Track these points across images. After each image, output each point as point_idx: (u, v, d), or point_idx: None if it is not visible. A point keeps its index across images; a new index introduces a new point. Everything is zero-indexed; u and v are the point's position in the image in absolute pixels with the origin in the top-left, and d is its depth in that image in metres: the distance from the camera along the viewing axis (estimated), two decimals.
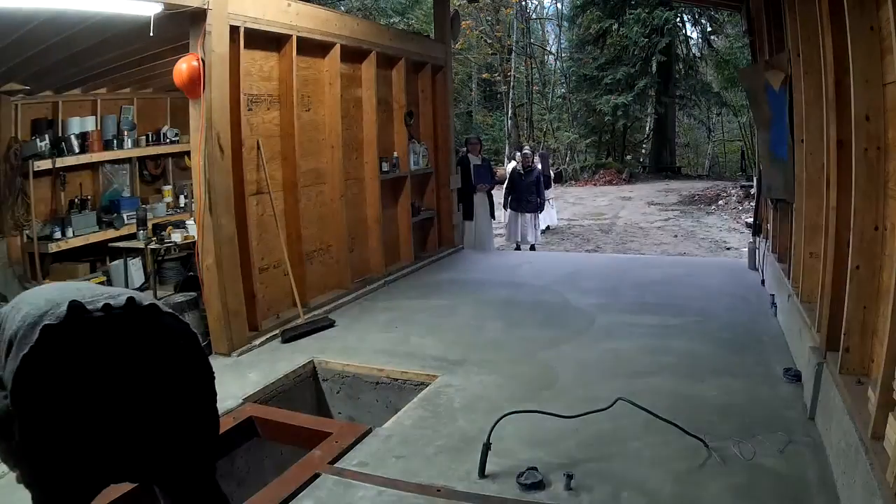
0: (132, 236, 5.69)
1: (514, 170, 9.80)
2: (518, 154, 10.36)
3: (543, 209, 10.36)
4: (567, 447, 2.79)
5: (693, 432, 2.76)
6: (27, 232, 5.56)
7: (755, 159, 7.07)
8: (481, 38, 22.58)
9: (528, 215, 9.57)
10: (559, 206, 13.39)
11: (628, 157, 22.62)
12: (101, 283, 5.97)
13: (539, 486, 2.48)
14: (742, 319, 4.56)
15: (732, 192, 15.43)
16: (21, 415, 1.43)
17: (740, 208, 13.69)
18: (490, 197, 8.66)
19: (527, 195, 9.47)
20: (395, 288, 5.91)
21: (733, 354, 3.86)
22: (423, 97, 7.03)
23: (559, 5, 24.41)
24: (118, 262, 5.75)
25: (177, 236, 4.76)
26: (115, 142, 6.42)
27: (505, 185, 9.95)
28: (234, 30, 4.15)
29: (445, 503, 2.44)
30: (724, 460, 2.61)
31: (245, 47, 4.29)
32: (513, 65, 22.48)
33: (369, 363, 3.93)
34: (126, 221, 6.15)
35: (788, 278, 4.13)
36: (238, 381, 3.73)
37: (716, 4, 11.44)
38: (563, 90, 23.58)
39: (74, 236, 5.91)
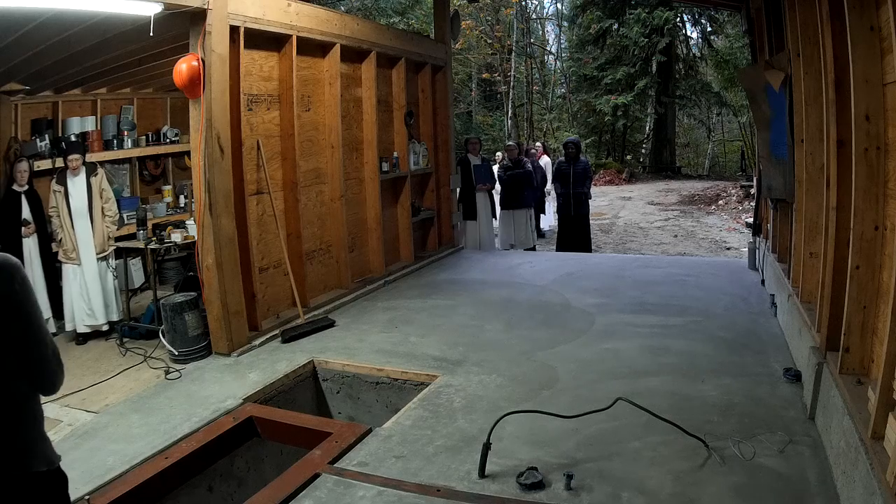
0: (132, 236, 5.69)
1: (500, 164, 9.12)
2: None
3: (541, 205, 9.90)
4: (567, 447, 2.79)
5: (693, 432, 2.76)
6: None
7: (755, 159, 7.08)
8: (481, 38, 22.55)
9: (521, 215, 8.52)
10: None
11: (628, 157, 22.59)
12: None
13: (539, 486, 2.48)
14: (742, 319, 4.56)
15: (732, 192, 15.42)
16: None
17: (740, 208, 13.69)
18: (491, 196, 8.63)
19: (517, 189, 8.41)
20: (395, 288, 5.91)
21: (733, 354, 3.86)
22: (423, 97, 7.03)
23: (559, 5, 24.45)
24: (118, 262, 5.74)
25: (177, 236, 4.76)
26: (115, 142, 6.42)
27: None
28: (234, 30, 4.15)
29: (445, 503, 2.44)
30: (724, 460, 2.61)
31: (245, 47, 4.29)
32: (513, 65, 22.47)
33: (369, 363, 3.93)
34: (126, 221, 6.15)
35: (788, 278, 4.13)
36: (238, 381, 3.74)
37: (716, 4, 11.42)
38: (563, 90, 23.60)
39: None
